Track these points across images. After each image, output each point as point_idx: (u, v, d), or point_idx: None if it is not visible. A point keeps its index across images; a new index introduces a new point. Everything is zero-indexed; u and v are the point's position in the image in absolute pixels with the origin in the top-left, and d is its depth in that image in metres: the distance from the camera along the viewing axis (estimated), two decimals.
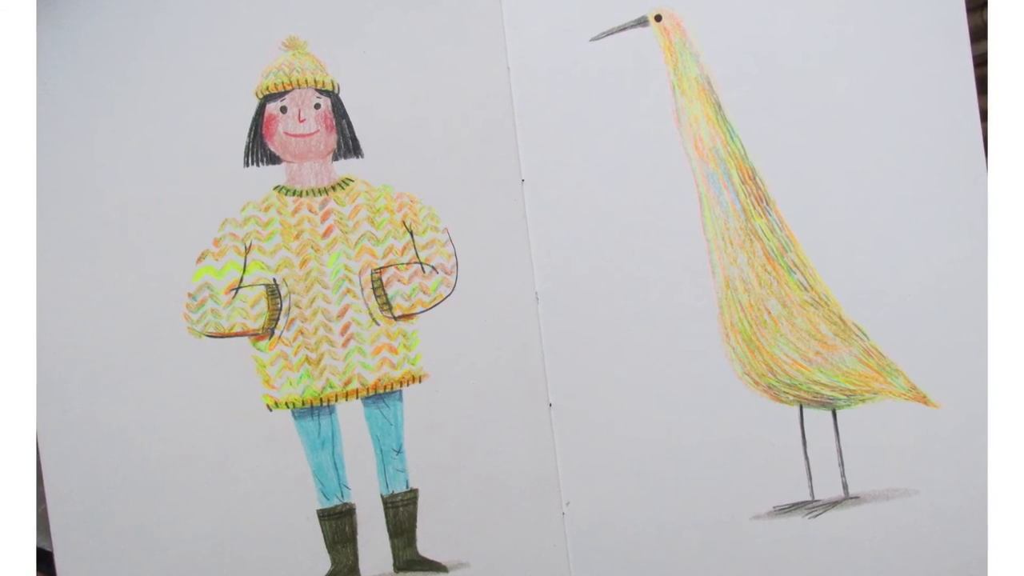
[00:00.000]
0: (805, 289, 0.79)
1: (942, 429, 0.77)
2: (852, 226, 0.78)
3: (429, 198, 0.79)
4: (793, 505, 0.78)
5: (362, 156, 0.78)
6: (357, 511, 0.77)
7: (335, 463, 0.76)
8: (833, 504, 0.78)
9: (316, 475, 0.76)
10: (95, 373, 0.73)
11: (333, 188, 0.78)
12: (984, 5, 0.86)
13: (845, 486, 0.78)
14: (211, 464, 0.75)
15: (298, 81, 0.77)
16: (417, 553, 0.77)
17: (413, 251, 0.78)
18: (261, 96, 0.77)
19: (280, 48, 0.77)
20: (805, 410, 0.78)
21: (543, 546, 0.78)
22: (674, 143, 0.79)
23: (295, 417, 0.76)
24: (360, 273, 0.77)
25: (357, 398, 0.77)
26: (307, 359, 0.76)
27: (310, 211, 0.77)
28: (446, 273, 0.78)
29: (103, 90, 0.75)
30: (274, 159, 0.77)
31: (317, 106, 0.77)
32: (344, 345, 0.77)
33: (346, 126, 0.78)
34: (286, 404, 0.76)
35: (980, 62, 0.78)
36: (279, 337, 0.76)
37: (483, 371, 0.78)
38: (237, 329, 0.75)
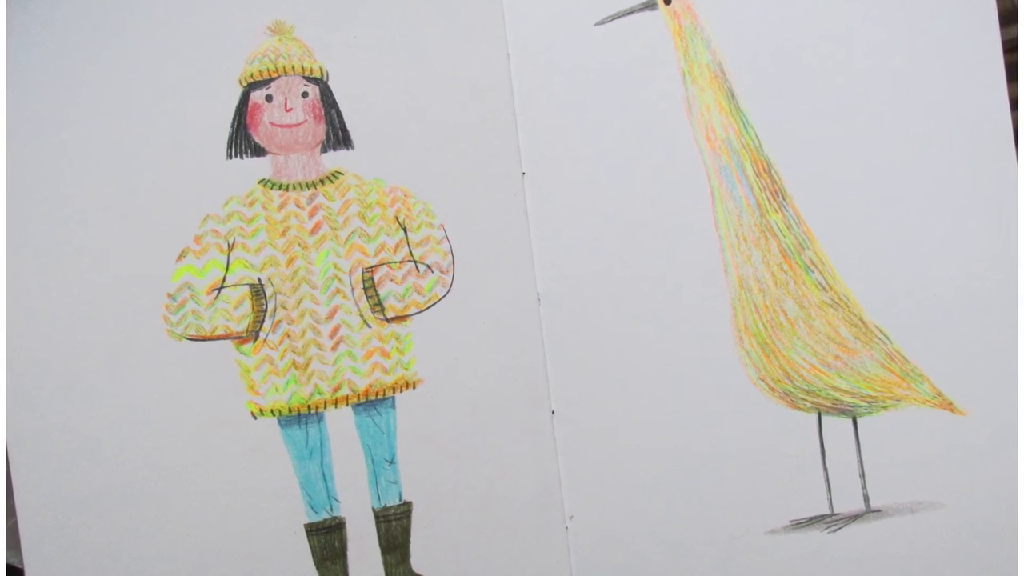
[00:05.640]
0: (824, 289, 0.77)
1: (969, 438, 0.76)
2: (873, 222, 0.77)
3: (424, 192, 0.77)
4: (811, 519, 0.77)
5: (352, 148, 0.76)
6: (347, 525, 0.75)
7: (324, 474, 0.75)
8: (854, 518, 0.77)
9: (304, 487, 0.74)
10: (68, 378, 0.72)
11: (322, 182, 0.76)
12: None
13: (866, 499, 0.77)
14: (192, 475, 0.73)
15: (284, 68, 0.76)
16: (411, 570, 0.76)
17: (407, 249, 0.77)
18: (245, 84, 0.75)
19: (265, 33, 0.76)
20: (824, 418, 0.77)
21: (545, 562, 0.76)
22: (684, 134, 0.78)
23: (281, 425, 0.74)
24: (350, 272, 0.76)
25: (347, 405, 0.76)
26: (294, 364, 0.75)
27: (297, 206, 0.75)
28: (442, 272, 0.77)
29: (76, 77, 0.73)
30: (259, 151, 0.76)
31: (305, 94, 0.76)
32: (333, 349, 0.75)
33: (335, 116, 0.76)
34: (272, 412, 0.74)
35: (1010, 47, 0.78)
36: (264, 340, 0.74)
37: (481, 376, 0.76)
38: (220, 332, 0.74)
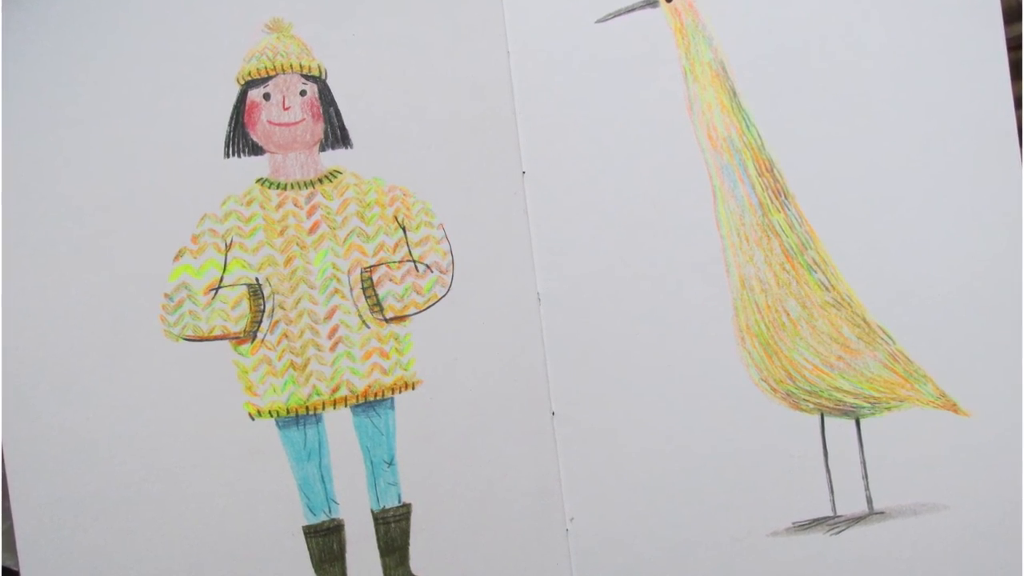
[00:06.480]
0: (826, 289, 0.76)
1: (973, 439, 0.75)
2: (876, 221, 0.76)
3: (423, 192, 0.76)
4: (814, 521, 0.76)
5: (351, 146, 0.76)
6: (346, 527, 0.74)
7: (322, 476, 0.74)
8: (856, 520, 0.76)
9: (302, 489, 0.74)
10: (64, 380, 0.71)
11: (320, 181, 0.75)
12: None
13: (869, 500, 0.76)
14: (189, 477, 0.72)
15: (282, 66, 0.75)
16: (410, 572, 0.75)
17: (406, 248, 0.76)
18: (243, 82, 0.75)
19: (263, 30, 0.75)
20: (826, 419, 0.76)
21: (545, 565, 0.76)
22: (686, 133, 0.77)
23: (279, 427, 0.74)
24: (349, 272, 0.75)
25: (346, 406, 0.75)
26: (292, 364, 0.74)
27: (295, 205, 0.75)
28: (441, 272, 0.76)
29: (72, 76, 0.72)
30: (256, 150, 0.75)
31: (303, 93, 0.75)
32: (332, 349, 0.74)
33: (334, 114, 0.76)
34: (269, 413, 0.73)
35: (1014, 45, 0.77)
36: (262, 341, 0.74)
37: (481, 377, 0.76)
38: (217, 332, 0.73)
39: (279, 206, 0.74)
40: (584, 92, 0.76)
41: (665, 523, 0.76)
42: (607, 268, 0.76)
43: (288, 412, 0.73)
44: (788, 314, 0.76)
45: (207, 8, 0.74)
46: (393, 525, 0.74)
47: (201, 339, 0.72)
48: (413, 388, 0.75)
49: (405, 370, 0.75)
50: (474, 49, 0.76)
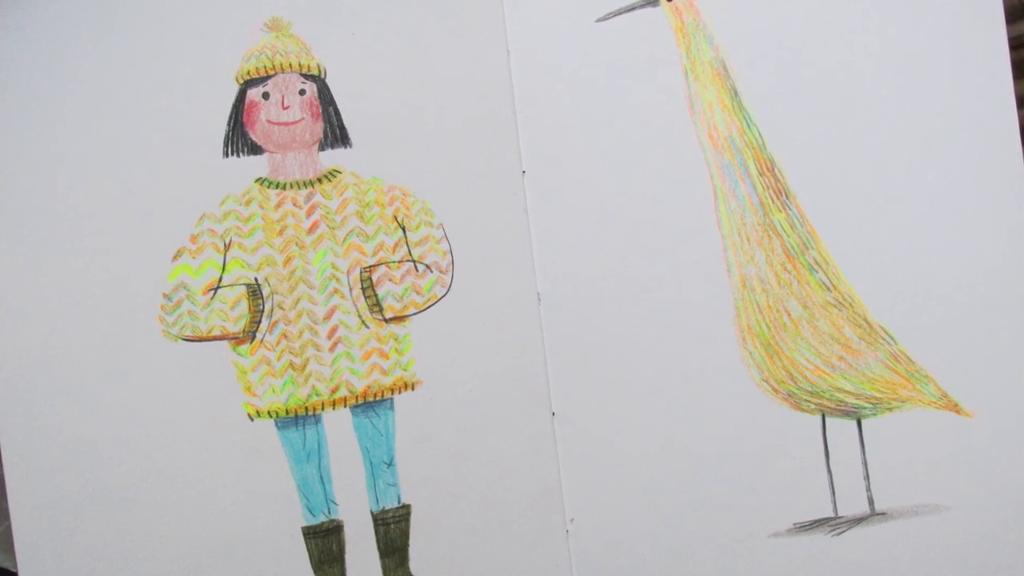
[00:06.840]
0: (828, 289, 0.76)
1: (975, 440, 0.75)
2: (878, 221, 0.76)
3: (423, 191, 0.76)
4: (815, 522, 0.76)
5: (350, 146, 0.76)
6: (345, 528, 0.74)
7: (321, 477, 0.74)
8: (858, 521, 0.76)
9: (301, 490, 0.73)
10: (62, 380, 0.71)
11: (319, 180, 0.75)
12: None
13: (871, 501, 0.76)
14: (188, 478, 0.72)
15: (281, 65, 0.75)
16: (409, 573, 0.75)
17: (405, 248, 0.76)
18: (242, 81, 0.74)
19: (262, 29, 0.75)
20: (828, 419, 0.76)
21: (545, 566, 0.76)
22: (687, 132, 0.77)
23: (278, 427, 0.74)
24: (348, 272, 0.75)
25: (345, 407, 0.75)
26: (291, 365, 0.74)
27: (294, 205, 0.74)
28: (441, 272, 0.76)
29: (71, 75, 0.72)
30: (256, 149, 0.75)
31: (302, 92, 0.75)
32: (331, 350, 0.74)
33: (333, 113, 0.75)
34: (269, 413, 0.73)
35: (1016, 44, 0.77)
36: (261, 341, 0.73)
37: (481, 378, 0.75)
38: (216, 332, 0.73)
39: (278, 206, 0.74)
40: (584, 92, 0.76)
41: (665, 524, 0.75)
42: (607, 268, 0.76)
43: (287, 413, 0.73)
44: (789, 314, 0.76)
45: (206, 7, 0.74)
46: (393, 526, 0.74)
47: (200, 339, 0.72)
48: (413, 388, 0.75)
49: (405, 370, 0.75)
50: (474, 48, 0.76)
